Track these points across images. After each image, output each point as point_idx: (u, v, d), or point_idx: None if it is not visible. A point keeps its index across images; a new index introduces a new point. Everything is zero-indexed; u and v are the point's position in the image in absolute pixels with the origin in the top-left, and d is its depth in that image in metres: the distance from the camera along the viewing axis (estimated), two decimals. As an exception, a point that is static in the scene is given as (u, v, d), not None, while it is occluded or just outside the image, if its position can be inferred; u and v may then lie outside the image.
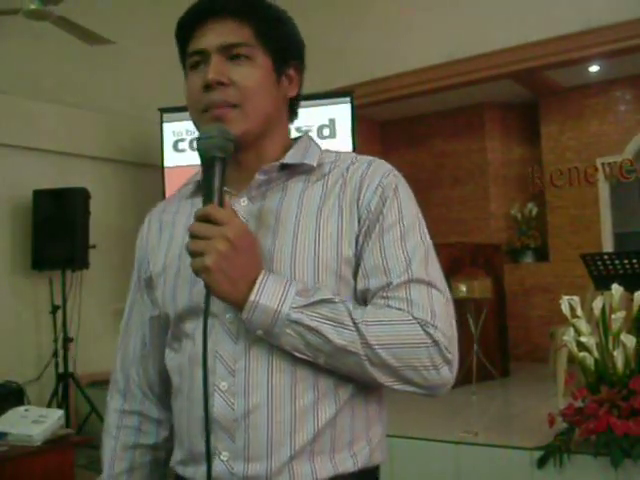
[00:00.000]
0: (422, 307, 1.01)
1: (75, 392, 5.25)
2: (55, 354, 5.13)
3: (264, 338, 1.00)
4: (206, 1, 1.08)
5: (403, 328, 0.99)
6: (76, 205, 5.21)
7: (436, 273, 1.06)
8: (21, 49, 5.36)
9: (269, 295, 0.97)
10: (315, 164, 1.11)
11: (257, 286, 0.97)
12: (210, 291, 0.97)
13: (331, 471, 1.02)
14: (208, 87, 1.05)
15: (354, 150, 5.32)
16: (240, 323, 1.02)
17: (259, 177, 1.08)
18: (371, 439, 1.08)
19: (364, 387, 1.06)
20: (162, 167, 5.73)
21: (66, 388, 5.07)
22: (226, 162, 1.01)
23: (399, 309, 1.01)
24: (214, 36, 1.06)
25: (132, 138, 6.16)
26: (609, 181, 6.69)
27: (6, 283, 5.34)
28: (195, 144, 1.01)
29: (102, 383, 5.38)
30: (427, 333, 0.99)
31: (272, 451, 1.00)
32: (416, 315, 1.00)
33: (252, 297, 0.96)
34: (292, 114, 1.20)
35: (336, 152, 1.17)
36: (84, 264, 5.23)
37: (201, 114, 1.08)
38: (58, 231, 5.15)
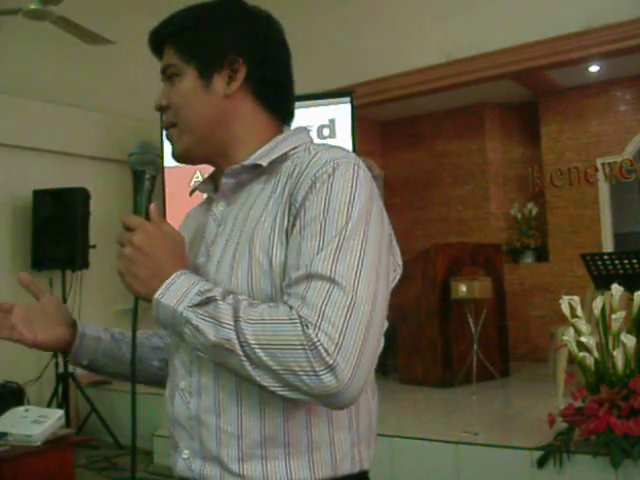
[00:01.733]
0: (312, 305, 0.91)
1: (75, 392, 5.25)
2: (55, 354, 5.12)
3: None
4: (149, 35, 1.16)
5: (283, 328, 0.91)
6: (76, 205, 5.21)
7: (349, 269, 0.93)
8: (21, 49, 5.37)
9: (172, 294, 0.98)
10: (265, 164, 1.07)
11: (163, 285, 0.99)
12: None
13: (284, 478, 1.00)
14: (160, 112, 1.16)
15: (354, 150, 5.33)
16: None
17: (224, 181, 1.11)
18: (336, 448, 1.03)
19: None
20: (162, 167, 5.73)
21: (66, 388, 5.07)
22: (154, 175, 1.12)
23: (290, 307, 0.93)
24: (161, 63, 1.15)
25: (132, 138, 6.15)
26: (609, 181, 6.70)
27: (6, 283, 5.33)
28: (129, 158, 1.11)
29: (102, 383, 5.38)
30: (305, 334, 0.90)
31: (220, 452, 1.02)
32: (302, 314, 0.91)
33: (156, 295, 0.99)
34: (275, 110, 1.15)
35: (307, 145, 1.10)
36: (84, 264, 5.23)
37: None
38: (58, 231, 5.16)
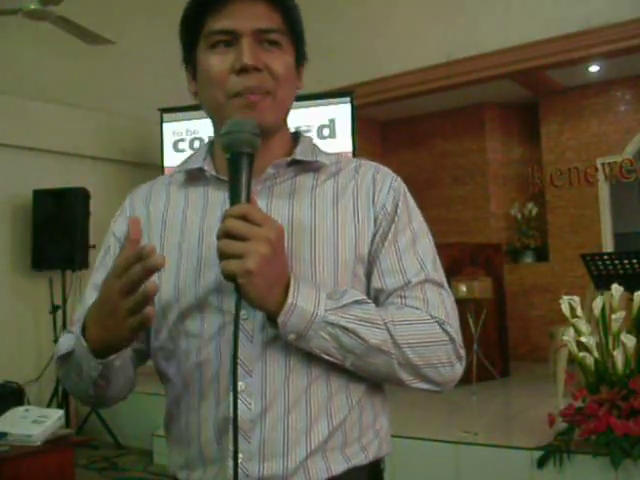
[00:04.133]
0: (437, 307, 1.05)
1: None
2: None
3: (293, 342, 0.98)
4: None
5: (424, 327, 1.03)
6: (76, 205, 5.21)
7: (443, 274, 1.11)
8: (21, 49, 5.36)
9: (305, 298, 0.96)
10: (329, 162, 1.12)
11: (292, 289, 0.95)
12: (244, 296, 0.91)
13: (344, 465, 1.03)
14: (243, 71, 1.01)
15: (354, 150, 5.32)
16: (255, 321, 1.00)
17: (270, 171, 1.07)
18: (378, 431, 1.10)
19: (372, 383, 1.08)
20: (162, 167, 5.73)
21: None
22: (253, 158, 0.96)
23: (417, 308, 1.04)
24: (247, 18, 1.01)
25: (132, 138, 6.16)
26: (609, 181, 6.69)
27: (6, 283, 5.34)
28: (224, 137, 0.96)
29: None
30: (445, 331, 1.04)
31: (288, 450, 1.00)
32: (433, 314, 1.04)
33: (290, 300, 0.94)
34: None
35: (335, 154, 1.18)
36: (84, 264, 5.23)
37: (230, 98, 1.03)
38: (58, 231, 5.16)
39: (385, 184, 1.11)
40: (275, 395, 1.00)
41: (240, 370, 0.99)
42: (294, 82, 1.09)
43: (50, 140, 5.55)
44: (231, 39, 1.02)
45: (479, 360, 5.26)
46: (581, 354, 3.17)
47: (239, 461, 0.97)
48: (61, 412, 3.43)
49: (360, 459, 1.05)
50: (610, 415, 2.99)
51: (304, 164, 1.10)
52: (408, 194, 1.14)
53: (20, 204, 5.40)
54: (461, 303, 5.39)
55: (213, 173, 1.09)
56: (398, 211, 1.09)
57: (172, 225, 1.09)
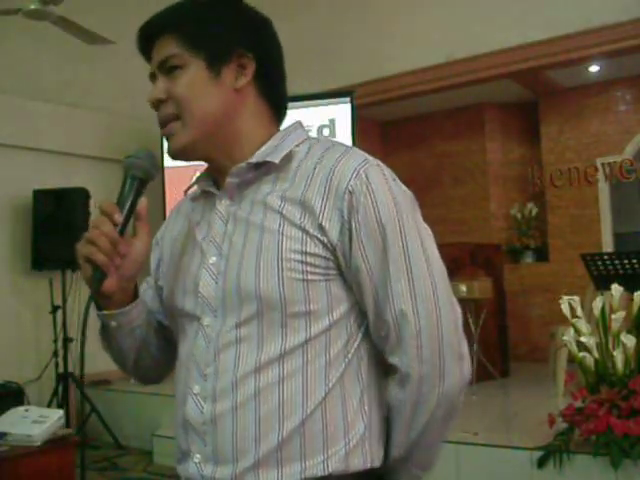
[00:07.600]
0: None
1: (75, 392, 5.25)
2: (55, 354, 5.13)
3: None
4: (141, 28, 1.14)
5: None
6: (76, 205, 5.21)
7: (447, 285, 1.16)
8: (21, 49, 5.36)
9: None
10: (277, 161, 1.06)
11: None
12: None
13: (297, 477, 1.00)
14: (155, 108, 1.11)
15: (354, 150, 5.31)
16: (214, 327, 1.05)
17: (230, 180, 1.08)
18: (349, 441, 1.03)
19: (341, 389, 1.03)
20: (162, 167, 5.73)
21: (66, 388, 5.07)
22: (143, 183, 1.09)
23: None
24: (155, 57, 1.11)
25: (132, 138, 6.15)
26: (609, 181, 6.69)
27: (6, 283, 5.34)
28: (124, 160, 1.10)
29: (102, 383, 5.38)
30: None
31: (237, 457, 1.00)
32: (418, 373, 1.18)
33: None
34: (275, 107, 1.15)
35: (312, 142, 1.11)
36: (84, 264, 5.23)
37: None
38: (58, 231, 5.15)
39: (342, 183, 1.01)
40: (224, 401, 1.02)
41: (197, 374, 1.05)
42: (205, 92, 1.07)
43: (50, 140, 5.56)
44: (154, 80, 1.12)
45: (479, 360, 5.26)
46: (581, 354, 3.17)
47: (197, 461, 1.04)
48: (61, 412, 3.43)
49: (316, 471, 1.00)
50: (610, 415, 2.99)
51: (264, 165, 1.07)
52: (380, 188, 1.02)
53: (20, 204, 5.40)
54: (461, 303, 5.35)
55: (205, 188, 1.14)
56: (356, 219, 1.00)
57: (179, 237, 1.20)
